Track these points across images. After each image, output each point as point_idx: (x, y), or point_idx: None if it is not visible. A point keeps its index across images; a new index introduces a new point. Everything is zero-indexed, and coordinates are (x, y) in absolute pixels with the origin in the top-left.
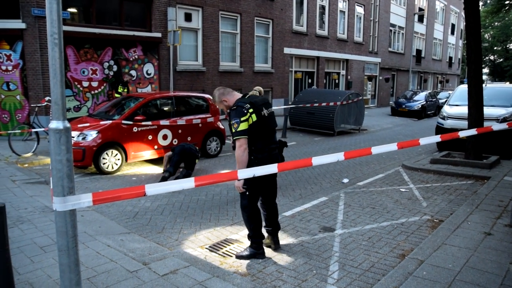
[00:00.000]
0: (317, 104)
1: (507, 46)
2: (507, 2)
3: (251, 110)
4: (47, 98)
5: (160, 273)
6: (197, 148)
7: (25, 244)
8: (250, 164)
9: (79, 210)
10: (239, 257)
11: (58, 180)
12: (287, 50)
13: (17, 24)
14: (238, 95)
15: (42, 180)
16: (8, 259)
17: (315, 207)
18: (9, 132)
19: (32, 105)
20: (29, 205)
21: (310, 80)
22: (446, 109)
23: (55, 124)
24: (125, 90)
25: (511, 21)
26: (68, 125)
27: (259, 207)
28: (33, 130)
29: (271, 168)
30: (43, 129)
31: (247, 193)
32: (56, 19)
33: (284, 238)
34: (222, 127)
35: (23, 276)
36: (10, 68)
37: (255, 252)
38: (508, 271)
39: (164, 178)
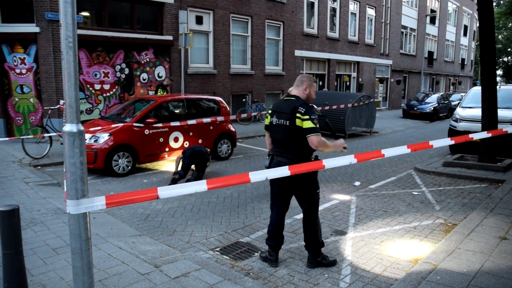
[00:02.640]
0: (328, 107)
1: None
2: None
3: (270, 111)
4: (61, 102)
5: (171, 276)
6: (208, 150)
7: (38, 246)
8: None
9: (91, 212)
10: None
11: (72, 183)
12: (298, 53)
13: (31, 28)
14: (292, 91)
15: (55, 182)
16: (22, 261)
17: (326, 210)
18: (21, 137)
19: (45, 108)
20: (42, 207)
21: (321, 83)
22: (459, 112)
23: (69, 127)
24: (164, 93)
25: None
26: (82, 128)
27: (274, 210)
28: (46, 135)
29: (282, 171)
30: (56, 133)
31: None
32: (70, 23)
33: (295, 241)
34: (233, 130)
35: (36, 277)
36: (24, 71)
37: (267, 257)
38: None
39: (174, 181)
